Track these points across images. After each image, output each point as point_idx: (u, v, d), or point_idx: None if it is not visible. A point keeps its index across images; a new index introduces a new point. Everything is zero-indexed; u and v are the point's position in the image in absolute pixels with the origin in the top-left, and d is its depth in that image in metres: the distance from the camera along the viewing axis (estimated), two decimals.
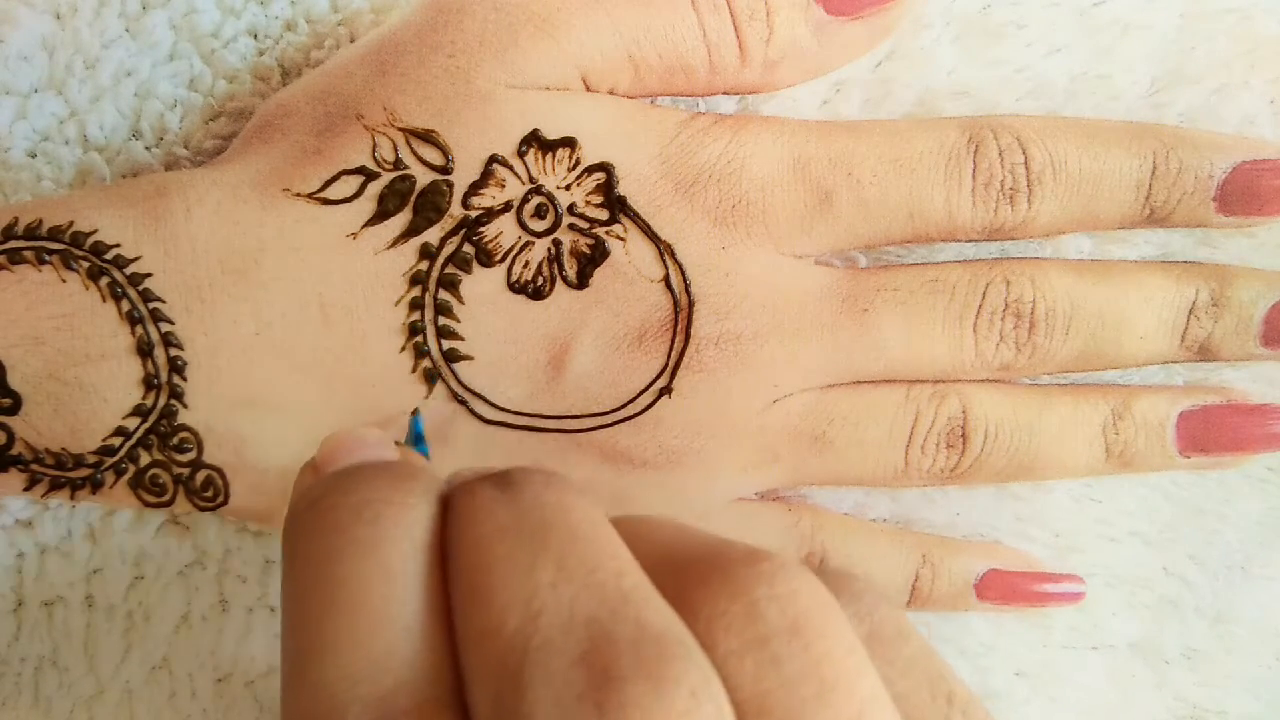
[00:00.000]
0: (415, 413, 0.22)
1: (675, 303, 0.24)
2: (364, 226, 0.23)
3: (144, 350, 0.23)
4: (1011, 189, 0.25)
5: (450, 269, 0.23)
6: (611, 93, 0.24)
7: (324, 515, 0.15)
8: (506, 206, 0.23)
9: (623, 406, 0.24)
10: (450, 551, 0.15)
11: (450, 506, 0.16)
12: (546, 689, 0.13)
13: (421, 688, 0.14)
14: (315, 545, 0.15)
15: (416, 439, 0.21)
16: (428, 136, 0.23)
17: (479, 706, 0.14)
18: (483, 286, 0.23)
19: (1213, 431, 0.27)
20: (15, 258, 0.22)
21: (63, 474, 0.23)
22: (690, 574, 0.15)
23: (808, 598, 0.14)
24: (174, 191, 0.23)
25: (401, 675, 0.14)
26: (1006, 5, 0.26)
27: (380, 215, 0.23)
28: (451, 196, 0.23)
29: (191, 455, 0.23)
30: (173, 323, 0.23)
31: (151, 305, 0.23)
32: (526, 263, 0.24)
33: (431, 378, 0.24)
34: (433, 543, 0.15)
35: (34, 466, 0.23)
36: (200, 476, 0.23)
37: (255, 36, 0.26)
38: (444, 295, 0.23)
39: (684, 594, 0.14)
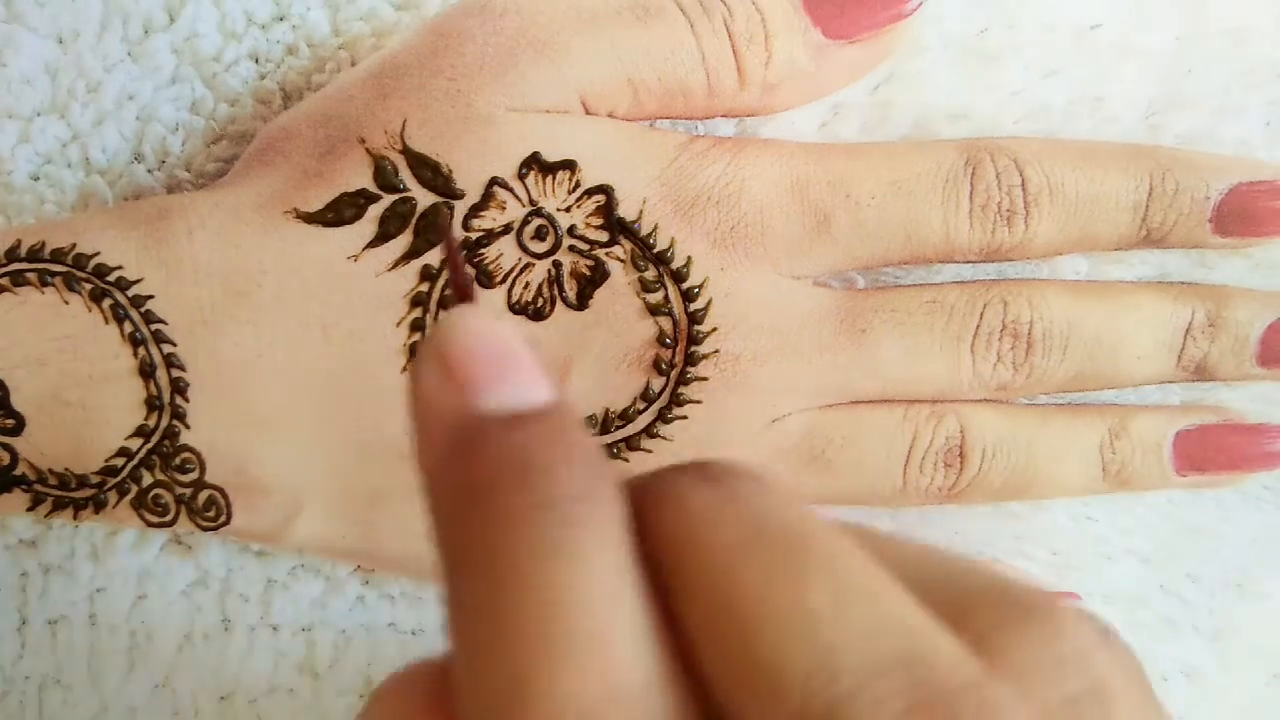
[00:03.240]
0: None
1: (675, 324, 0.24)
2: (365, 248, 0.23)
3: (146, 371, 0.23)
4: (1009, 210, 0.25)
5: (451, 290, 0.23)
6: (611, 115, 0.24)
7: (532, 511, 0.13)
8: (507, 228, 0.23)
9: (622, 427, 0.25)
10: (670, 563, 0.13)
11: (647, 507, 0.14)
12: None
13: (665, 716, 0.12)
14: (517, 547, 0.13)
15: None
16: (428, 159, 0.23)
17: None
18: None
19: (1209, 451, 0.27)
20: (18, 280, 0.22)
21: (66, 494, 0.23)
22: (984, 613, 0.13)
23: (1106, 653, 0.13)
24: (176, 214, 0.23)
25: (638, 705, 0.12)
26: (1003, 28, 0.26)
27: (381, 237, 0.23)
28: (453, 219, 0.23)
29: (194, 475, 0.23)
30: (175, 344, 0.23)
31: (154, 327, 0.23)
32: (527, 284, 0.24)
33: None
34: (631, 542, 0.13)
35: (37, 486, 0.23)
36: (203, 496, 0.24)
37: (257, 60, 0.26)
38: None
39: (981, 635, 0.13)
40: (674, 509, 0.13)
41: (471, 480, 0.13)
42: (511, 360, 0.15)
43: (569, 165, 0.23)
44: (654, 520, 0.13)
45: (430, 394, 0.14)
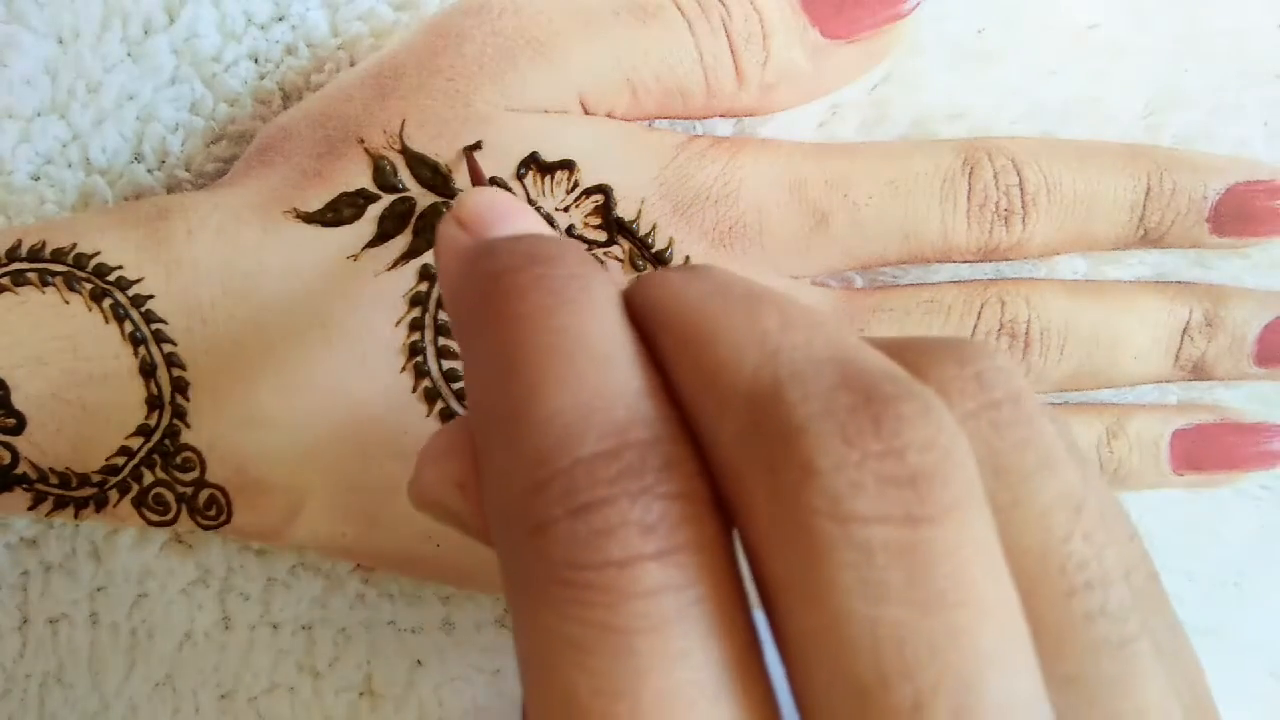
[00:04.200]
0: None
1: None
2: (364, 248, 0.23)
3: (147, 371, 0.23)
4: (1006, 210, 0.25)
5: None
6: (609, 115, 0.24)
7: (536, 279, 0.15)
8: None
9: None
10: (652, 320, 0.15)
11: (635, 291, 0.16)
12: (814, 404, 0.13)
13: (654, 422, 0.14)
14: (526, 303, 0.15)
15: None
16: (427, 159, 0.23)
17: (721, 438, 0.13)
18: None
19: (1206, 450, 0.27)
20: (19, 279, 0.23)
21: (67, 493, 0.23)
22: (908, 350, 0.15)
23: (1020, 377, 0.15)
24: (176, 214, 0.23)
25: (633, 408, 0.14)
26: (1001, 28, 0.26)
27: (381, 237, 0.23)
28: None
29: (194, 474, 0.23)
30: (175, 344, 0.23)
31: (154, 326, 0.23)
32: None
33: (432, 397, 0.24)
34: (622, 307, 0.15)
35: (38, 485, 0.23)
36: (203, 495, 0.24)
37: (256, 60, 0.26)
38: (444, 316, 0.24)
39: (909, 364, 0.14)
40: (654, 284, 0.15)
41: (484, 271, 0.15)
42: (516, 209, 0.18)
43: (567, 165, 0.23)
44: (639, 298, 0.15)
45: (448, 241, 0.17)
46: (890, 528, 0.12)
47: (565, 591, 0.13)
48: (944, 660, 0.12)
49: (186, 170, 0.26)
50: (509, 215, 0.18)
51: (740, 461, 0.13)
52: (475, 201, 0.18)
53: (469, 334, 0.16)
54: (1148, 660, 0.14)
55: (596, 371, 0.14)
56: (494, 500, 0.14)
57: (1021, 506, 0.14)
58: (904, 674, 0.12)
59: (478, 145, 0.23)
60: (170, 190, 0.26)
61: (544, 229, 0.18)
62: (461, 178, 0.23)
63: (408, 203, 0.23)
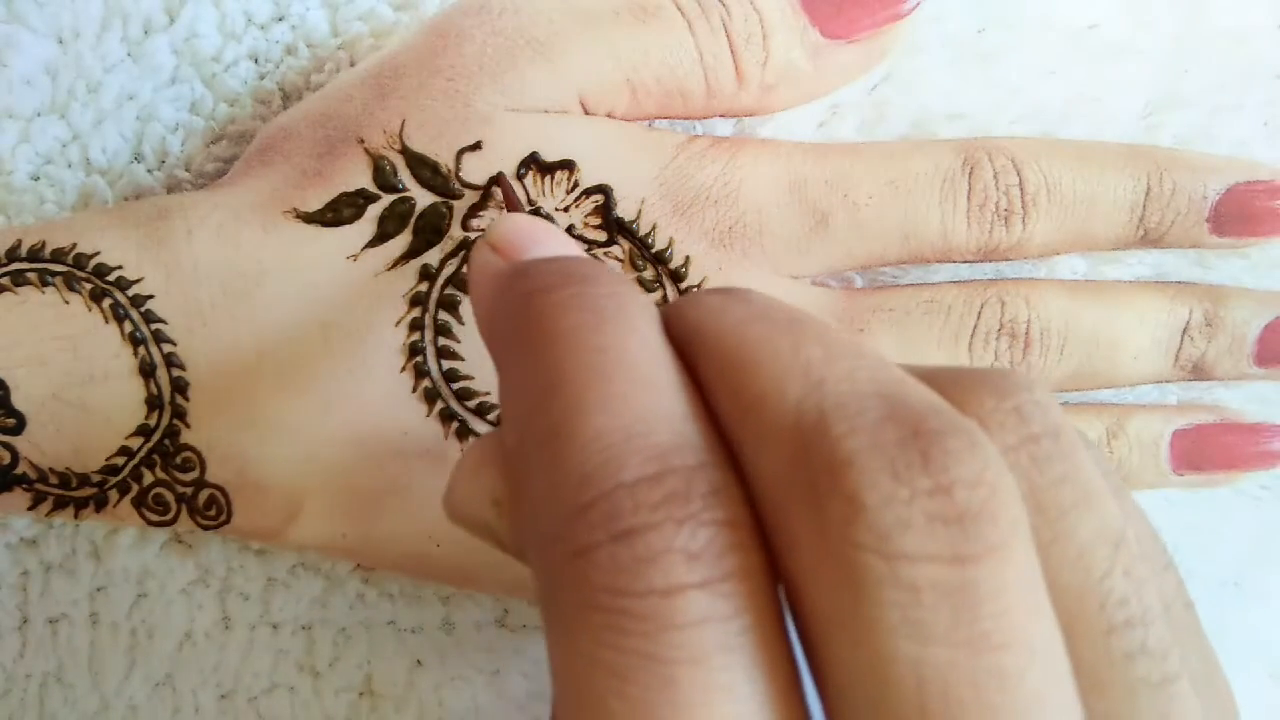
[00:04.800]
0: None
1: None
2: (364, 248, 0.23)
3: (146, 371, 0.23)
4: (1006, 210, 0.25)
5: (450, 290, 0.23)
6: (609, 116, 0.24)
7: (574, 298, 0.15)
8: None
9: None
10: (692, 344, 0.15)
11: (674, 312, 0.15)
12: (860, 438, 0.13)
13: (698, 447, 0.13)
14: (565, 322, 0.14)
15: None
16: (427, 159, 0.23)
17: (764, 468, 0.13)
18: None
19: (1206, 450, 0.27)
20: (19, 279, 0.23)
21: (67, 493, 0.23)
22: (946, 380, 0.15)
23: (1059, 411, 0.15)
24: (176, 214, 0.23)
25: (678, 432, 0.13)
26: (1001, 28, 0.26)
27: (381, 237, 0.23)
28: (451, 219, 0.23)
29: (194, 474, 0.23)
30: (175, 344, 0.23)
31: (154, 326, 0.23)
32: None
33: (432, 397, 0.24)
34: (661, 326, 0.15)
35: (38, 485, 0.23)
36: (203, 495, 0.24)
37: (256, 60, 0.26)
38: (444, 316, 0.24)
39: (946, 395, 0.14)
40: (693, 306, 0.15)
41: (520, 291, 0.15)
42: (550, 233, 0.18)
43: (567, 165, 0.23)
44: (677, 320, 0.15)
45: (481, 265, 0.17)
46: (938, 567, 0.12)
47: (605, 618, 0.12)
48: (989, 701, 0.12)
49: (186, 170, 0.26)
50: (543, 239, 0.18)
51: (784, 492, 0.13)
52: (508, 227, 0.18)
53: (506, 353, 0.15)
54: (1187, 700, 0.14)
55: (639, 393, 0.14)
56: (532, 521, 0.14)
57: (1060, 543, 0.14)
58: (947, 715, 0.12)
59: (476, 146, 0.23)
60: (170, 190, 0.26)
61: (578, 251, 0.18)
62: (472, 176, 0.23)
63: (408, 203, 0.23)
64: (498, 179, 0.23)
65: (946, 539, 0.12)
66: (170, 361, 0.23)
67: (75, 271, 0.23)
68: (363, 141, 0.23)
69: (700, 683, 0.12)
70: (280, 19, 0.26)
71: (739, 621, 0.12)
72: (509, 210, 0.22)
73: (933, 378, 0.15)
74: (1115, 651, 0.14)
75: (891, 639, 0.12)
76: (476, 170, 0.23)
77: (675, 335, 0.15)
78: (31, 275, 0.23)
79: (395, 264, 0.23)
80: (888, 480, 0.12)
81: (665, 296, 0.24)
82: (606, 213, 0.24)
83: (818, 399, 0.13)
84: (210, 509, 0.24)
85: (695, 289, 0.16)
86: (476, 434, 0.24)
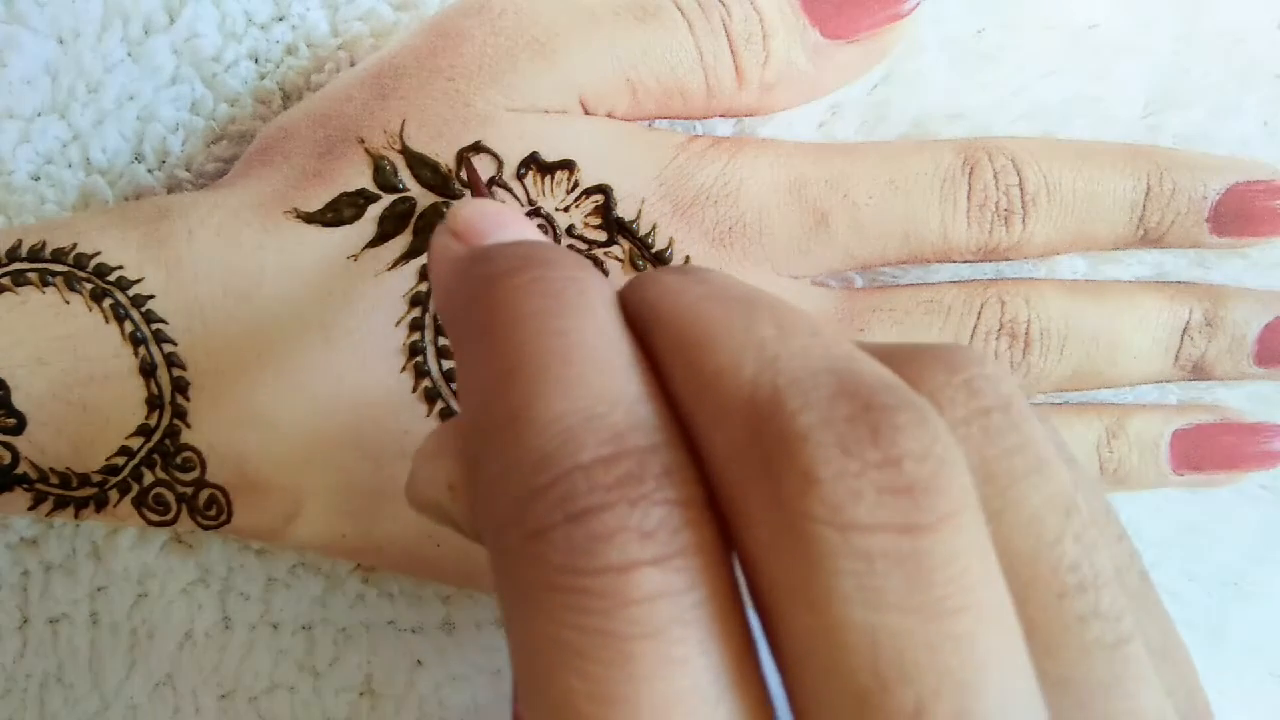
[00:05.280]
0: None
1: None
2: (365, 248, 0.23)
3: (147, 371, 0.23)
4: (1006, 210, 0.25)
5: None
6: (609, 115, 0.24)
7: (531, 282, 0.15)
8: None
9: None
10: (648, 322, 0.15)
11: (630, 291, 0.16)
12: (813, 413, 0.13)
13: (652, 428, 0.14)
14: (524, 307, 0.15)
15: None
16: (427, 159, 0.23)
17: (718, 444, 0.14)
18: None
19: (1206, 450, 0.27)
20: (19, 279, 0.23)
21: (67, 493, 0.23)
22: (900, 357, 0.15)
23: (1011, 383, 0.15)
24: (176, 214, 0.23)
25: (632, 413, 0.14)
26: (1001, 28, 0.26)
27: (381, 237, 0.23)
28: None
29: (195, 474, 0.23)
30: (175, 344, 0.23)
31: (154, 326, 0.23)
32: None
33: (432, 397, 0.24)
34: (618, 308, 0.15)
35: (39, 485, 0.23)
36: (203, 495, 0.24)
37: (256, 60, 0.26)
38: None
39: (900, 371, 0.14)
40: (650, 285, 0.15)
41: (479, 275, 0.15)
42: (510, 218, 0.18)
43: (567, 165, 0.24)
44: (634, 299, 0.15)
45: (442, 251, 0.17)
46: (889, 536, 0.12)
47: (562, 597, 0.13)
48: (944, 665, 0.12)
49: (187, 170, 0.26)
50: (503, 224, 0.18)
51: (738, 468, 0.13)
52: (469, 212, 0.18)
53: (465, 337, 0.15)
54: (1141, 661, 0.14)
55: (596, 376, 0.14)
56: (487, 504, 0.14)
57: (1012, 510, 0.14)
58: (904, 679, 0.12)
59: (475, 147, 0.23)
60: (170, 190, 0.26)
61: (539, 236, 0.18)
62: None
63: (408, 203, 0.23)
64: (461, 159, 0.23)
65: (897, 509, 0.12)
66: (170, 361, 0.23)
67: (76, 271, 0.23)
68: (363, 141, 0.23)
69: (658, 656, 0.12)
70: (280, 19, 0.26)
71: (693, 595, 0.13)
72: (474, 194, 0.22)
73: (888, 355, 0.15)
74: (1068, 614, 0.14)
75: (846, 606, 0.12)
76: (483, 171, 0.23)
77: (632, 314, 0.15)
78: (32, 275, 0.23)
79: (395, 264, 0.23)
80: (839, 454, 0.13)
81: None
82: (606, 213, 0.24)
83: (771, 376, 0.13)
84: (210, 509, 0.24)
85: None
86: None
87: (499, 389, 0.14)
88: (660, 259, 0.24)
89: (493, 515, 0.14)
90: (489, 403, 0.14)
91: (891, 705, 0.12)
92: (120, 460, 0.23)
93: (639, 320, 0.15)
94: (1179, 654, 0.16)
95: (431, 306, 0.23)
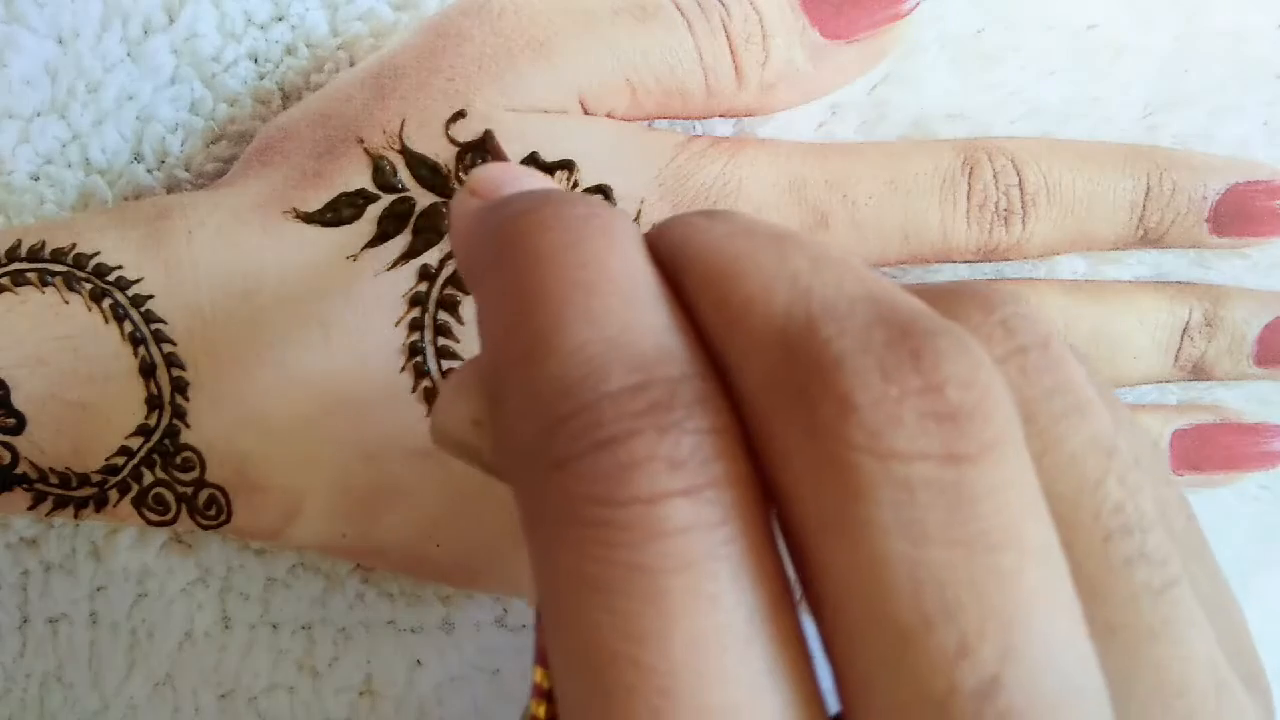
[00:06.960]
0: None
1: None
2: (364, 248, 0.23)
3: (146, 371, 0.23)
4: (1006, 210, 0.25)
5: (450, 290, 0.23)
6: (609, 116, 0.24)
7: (553, 217, 0.14)
8: None
9: None
10: (678, 261, 0.14)
11: (658, 233, 0.15)
12: (850, 339, 0.12)
13: (682, 358, 0.13)
14: (547, 239, 0.14)
15: None
16: (426, 159, 0.23)
17: (751, 375, 0.13)
18: None
19: (1206, 450, 0.27)
20: (19, 279, 0.23)
21: (67, 493, 0.23)
22: (934, 295, 0.14)
23: (1047, 323, 0.14)
24: (176, 214, 0.23)
25: (661, 343, 0.13)
26: (1001, 29, 0.26)
27: (380, 237, 0.23)
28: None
29: (194, 474, 0.23)
30: (175, 344, 0.23)
31: (154, 326, 0.23)
32: None
33: (432, 397, 0.24)
34: (644, 245, 0.15)
35: (38, 485, 0.23)
36: (203, 495, 0.24)
37: (256, 60, 0.26)
38: (444, 316, 0.24)
39: (935, 309, 0.14)
40: (677, 225, 0.15)
41: (499, 216, 0.15)
42: (529, 175, 0.18)
43: (567, 165, 0.24)
44: (661, 240, 0.15)
45: (461, 208, 0.17)
46: (931, 464, 0.12)
47: (589, 530, 0.12)
48: (988, 603, 0.11)
49: (186, 170, 0.26)
50: (523, 178, 0.17)
51: (772, 398, 0.13)
52: (488, 171, 0.17)
53: (485, 276, 0.15)
54: (1190, 605, 0.14)
55: (622, 305, 0.13)
56: (510, 437, 0.14)
57: (1053, 452, 0.14)
58: (947, 616, 0.11)
59: (476, 145, 0.23)
60: (170, 190, 0.26)
61: (555, 184, 0.18)
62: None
63: (407, 203, 0.23)
64: (485, 136, 0.23)
65: (939, 436, 0.12)
66: (170, 361, 0.23)
67: (75, 271, 0.23)
68: (362, 141, 0.23)
69: (689, 591, 0.12)
70: (280, 19, 0.26)
71: (726, 529, 0.12)
72: (494, 156, 0.22)
73: (921, 293, 0.15)
74: (1114, 558, 0.14)
75: (886, 539, 0.12)
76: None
77: (659, 254, 0.15)
78: (31, 275, 0.23)
79: (395, 264, 0.23)
80: (878, 380, 0.12)
81: None
82: None
83: (805, 304, 0.13)
84: (210, 509, 0.24)
85: None
86: None
87: (521, 320, 0.14)
88: None
89: (516, 448, 0.13)
90: (510, 335, 0.14)
91: (934, 645, 0.11)
92: (120, 460, 0.23)
93: (668, 261, 0.15)
94: (1228, 599, 0.15)
95: (432, 306, 0.24)
